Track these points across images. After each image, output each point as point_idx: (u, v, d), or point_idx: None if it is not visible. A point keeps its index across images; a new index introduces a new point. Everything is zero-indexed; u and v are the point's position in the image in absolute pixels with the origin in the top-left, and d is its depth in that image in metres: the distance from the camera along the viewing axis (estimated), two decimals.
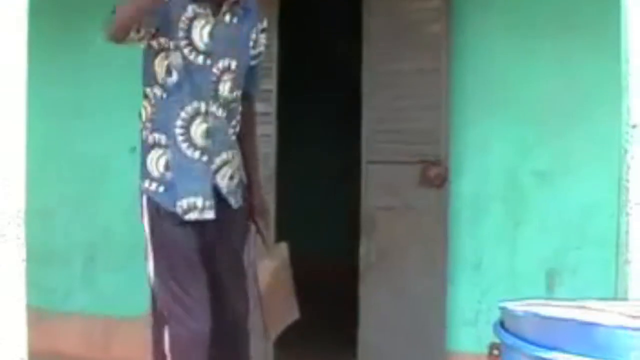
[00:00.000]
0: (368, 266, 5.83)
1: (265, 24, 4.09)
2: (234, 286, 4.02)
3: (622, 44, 3.02)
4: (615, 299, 3.05)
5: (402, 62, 5.74)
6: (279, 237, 5.97)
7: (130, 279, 5.67)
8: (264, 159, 5.90)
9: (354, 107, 6.02)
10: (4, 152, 2.97)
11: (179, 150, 3.84)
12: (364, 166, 5.88)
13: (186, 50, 3.81)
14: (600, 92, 5.13)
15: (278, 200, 5.99)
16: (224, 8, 3.89)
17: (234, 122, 4.01)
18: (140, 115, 3.94)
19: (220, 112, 3.92)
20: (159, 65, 3.84)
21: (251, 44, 4.01)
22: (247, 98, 4.11)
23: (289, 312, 4.32)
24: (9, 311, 2.97)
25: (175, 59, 3.80)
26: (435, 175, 5.63)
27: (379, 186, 5.81)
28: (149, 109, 3.89)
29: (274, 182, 5.95)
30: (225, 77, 3.91)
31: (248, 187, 4.14)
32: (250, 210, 4.14)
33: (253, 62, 4.06)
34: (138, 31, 3.68)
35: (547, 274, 5.48)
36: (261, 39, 4.07)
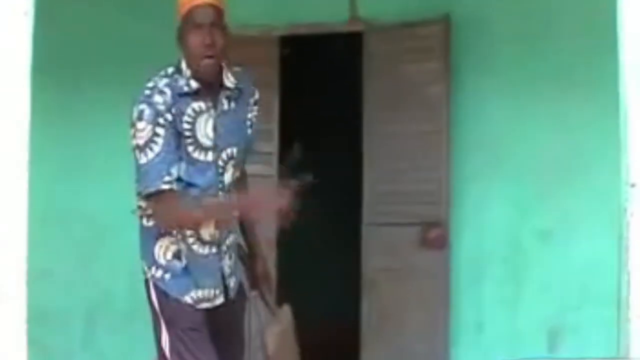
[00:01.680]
0: (369, 328, 5.81)
1: (257, 95, 3.97)
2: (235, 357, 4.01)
3: (620, 101, 3.03)
4: (617, 358, 3.04)
5: (402, 123, 5.77)
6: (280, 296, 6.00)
7: (131, 340, 5.66)
8: (263, 221, 5.95)
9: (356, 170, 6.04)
10: (6, 211, 2.97)
11: (189, 247, 3.78)
12: (364, 227, 5.89)
13: (190, 149, 3.71)
14: (598, 149, 5.16)
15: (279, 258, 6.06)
16: (221, 96, 3.78)
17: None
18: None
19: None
20: None
21: (249, 123, 3.94)
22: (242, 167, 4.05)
23: None
24: None
25: (181, 166, 3.71)
26: (435, 236, 5.63)
27: (380, 248, 5.80)
28: None
29: (274, 246, 5.96)
30: (228, 165, 3.83)
31: (250, 255, 4.09)
32: (253, 277, 4.10)
33: (250, 138, 3.99)
34: None
35: (548, 334, 5.47)
36: (255, 112, 3.96)
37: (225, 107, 3.79)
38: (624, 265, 3.00)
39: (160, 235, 3.77)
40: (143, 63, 4.02)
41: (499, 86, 5.68)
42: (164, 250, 3.78)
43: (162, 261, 3.78)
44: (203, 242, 3.79)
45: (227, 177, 3.83)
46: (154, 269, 3.79)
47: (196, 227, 3.72)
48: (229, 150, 3.81)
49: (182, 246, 3.77)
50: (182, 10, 3.69)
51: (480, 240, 5.70)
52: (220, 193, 3.79)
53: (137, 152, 3.64)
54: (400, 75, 5.81)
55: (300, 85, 6.74)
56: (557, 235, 5.51)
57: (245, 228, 4.05)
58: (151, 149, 3.60)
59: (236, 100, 3.83)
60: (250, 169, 5.97)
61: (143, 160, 3.61)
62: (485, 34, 5.74)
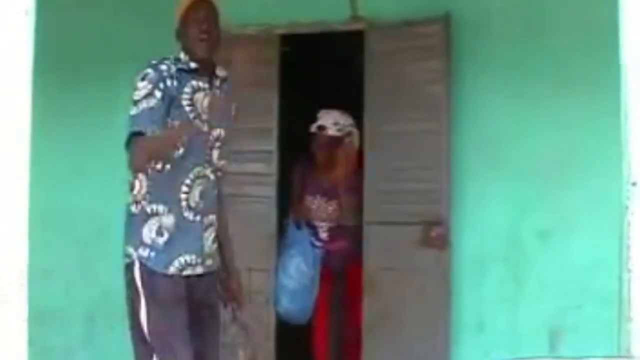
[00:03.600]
0: (370, 327, 5.81)
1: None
2: (211, 342, 4.27)
3: (621, 99, 3.03)
4: (617, 357, 3.03)
5: (402, 122, 5.77)
6: None
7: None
8: (263, 220, 6.00)
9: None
10: (6, 211, 2.97)
11: (180, 213, 4.09)
12: (365, 227, 5.88)
13: (192, 115, 4.08)
14: (599, 148, 5.15)
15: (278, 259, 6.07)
16: (215, 83, 4.21)
17: (216, 190, 4.27)
18: (132, 188, 4.13)
19: (211, 176, 4.20)
20: None
21: (232, 112, 4.37)
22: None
23: None
24: None
25: None
26: (437, 235, 5.62)
27: (380, 247, 5.80)
28: (144, 182, 4.10)
29: (274, 244, 6.03)
30: (217, 145, 4.21)
31: (225, 271, 4.39)
32: (227, 294, 4.40)
33: (232, 125, 4.36)
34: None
35: (549, 333, 5.47)
36: (233, 107, 4.41)
37: (217, 91, 4.20)
38: (625, 264, 3.00)
39: (148, 217, 4.08)
40: (144, 64, 4.09)
41: (499, 85, 5.68)
42: (148, 229, 4.07)
43: (147, 240, 4.07)
44: (190, 208, 4.09)
45: (215, 155, 4.21)
46: (141, 249, 4.07)
47: (168, 148, 3.95)
48: (218, 131, 4.20)
49: (168, 219, 4.06)
50: (181, 8, 4.17)
51: (480, 239, 5.70)
52: (206, 166, 4.15)
53: (131, 106, 4.00)
54: (401, 74, 5.81)
55: (300, 84, 6.72)
56: (557, 234, 5.51)
57: (221, 244, 4.35)
58: (146, 103, 3.98)
59: (224, 92, 4.26)
60: (250, 167, 6.05)
61: (134, 111, 3.98)
62: (486, 33, 5.74)
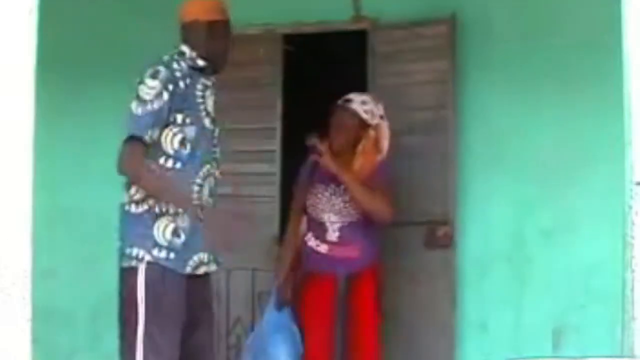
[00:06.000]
0: None
1: None
2: (208, 343, 4.28)
3: (624, 98, 3.03)
4: (620, 356, 3.03)
5: (406, 122, 5.76)
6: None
7: None
8: (267, 221, 6.01)
9: None
10: (11, 210, 2.98)
11: (194, 213, 4.05)
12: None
13: (202, 114, 4.11)
14: (603, 148, 5.15)
15: None
16: (213, 82, 4.24)
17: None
18: (128, 188, 4.12)
19: (217, 173, 4.22)
20: (170, 139, 4.03)
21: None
22: None
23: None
24: None
25: (190, 132, 4.04)
26: (443, 235, 5.62)
27: (385, 247, 5.79)
28: None
29: (278, 244, 6.02)
30: (216, 141, 4.23)
31: None
32: None
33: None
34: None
35: (553, 333, 5.47)
36: None
37: (215, 91, 4.23)
38: (628, 263, 3.00)
39: (157, 217, 4.02)
40: (155, 60, 4.09)
41: (504, 85, 5.68)
42: (162, 230, 4.01)
43: (163, 241, 4.00)
44: (202, 207, 4.06)
45: (217, 152, 4.23)
46: (156, 250, 4.00)
47: (150, 192, 4.01)
48: (218, 128, 4.23)
49: (183, 221, 4.02)
50: (207, 12, 4.19)
51: (484, 239, 5.71)
52: (213, 164, 4.16)
53: (136, 103, 3.97)
54: (406, 74, 5.80)
55: (303, 84, 6.72)
56: (561, 233, 5.51)
57: None
58: (151, 105, 3.94)
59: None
60: (253, 167, 6.05)
61: (139, 111, 3.95)
62: (491, 33, 5.74)
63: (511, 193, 5.64)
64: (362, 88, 5.78)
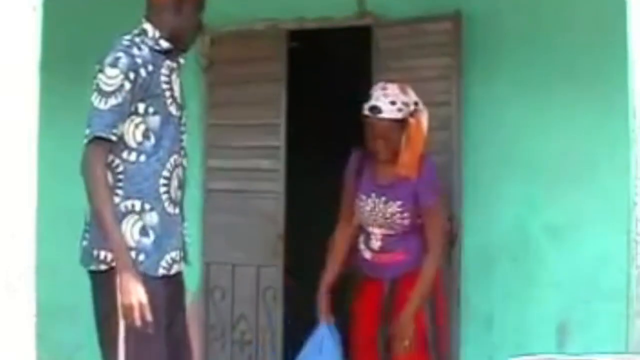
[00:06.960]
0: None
1: None
2: (185, 344, 4.14)
3: (629, 97, 3.03)
4: (626, 352, 3.04)
5: None
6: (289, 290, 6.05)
7: None
8: (272, 216, 6.03)
9: None
10: (14, 207, 2.98)
11: (163, 209, 3.85)
12: None
13: (168, 102, 3.87)
14: (609, 145, 5.14)
15: (287, 256, 6.11)
16: (181, 61, 4.01)
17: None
18: None
19: (185, 164, 4.01)
20: (132, 131, 3.80)
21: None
22: None
23: None
24: None
25: (154, 122, 3.82)
26: (448, 231, 5.61)
27: None
28: (111, 177, 3.79)
29: (283, 241, 6.04)
30: (184, 128, 4.01)
31: None
32: None
33: None
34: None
35: (557, 329, 5.46)
36: None
37: (180, 74, 4.00)
38: (633, 260, 3.01)
39: (123, 216, 3.77)
40: (115, 44, 3.92)
41: (510, 83, 5.67)
42: (129, 229, 3.77)
43: (131, 242, 3.76)
44: (171, 201, 3.88)
45: (185, 140, 4.01)
46: None
47: (91, 199, 3.75)
48: (184, 112, 4.01)
49: (151, 218, 3.80)
50: None
51: (490, 236, 5.70)
52: (181, 153, 3.94)
53: (98, 96, 3.76)
54: (411, 71, 5.79)
55: (307, 80, 6.72)
56: (566, 230, 5.50)
57: None
58: (115, 98, 3.72)
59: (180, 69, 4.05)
60: (258, 163, 6.06)
61: (102, 106, 3.73)
62: (496, 30, 5.72)
63: (516, 189, 5.63)
64: (366, 85, 5.79)
